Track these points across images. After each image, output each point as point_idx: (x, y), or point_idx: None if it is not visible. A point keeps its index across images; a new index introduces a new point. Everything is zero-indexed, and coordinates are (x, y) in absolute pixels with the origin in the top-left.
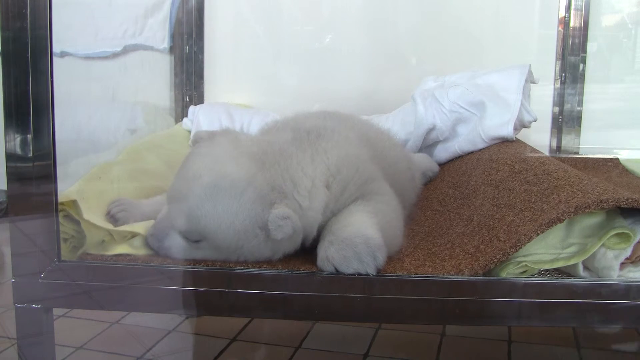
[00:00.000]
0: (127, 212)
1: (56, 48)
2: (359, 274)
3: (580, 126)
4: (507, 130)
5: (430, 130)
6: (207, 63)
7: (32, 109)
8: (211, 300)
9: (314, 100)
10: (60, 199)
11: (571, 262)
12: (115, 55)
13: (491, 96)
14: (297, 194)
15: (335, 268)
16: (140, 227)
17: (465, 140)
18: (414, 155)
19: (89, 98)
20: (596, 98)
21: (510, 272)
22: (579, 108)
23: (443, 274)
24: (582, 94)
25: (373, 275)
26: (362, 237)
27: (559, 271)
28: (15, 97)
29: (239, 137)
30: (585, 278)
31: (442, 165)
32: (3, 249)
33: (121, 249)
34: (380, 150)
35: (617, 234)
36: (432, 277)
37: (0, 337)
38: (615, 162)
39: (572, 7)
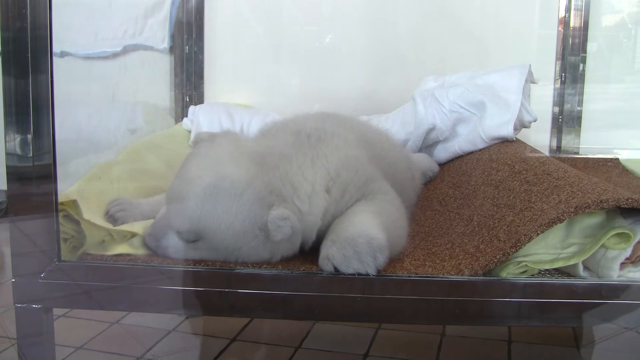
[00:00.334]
0: (126, 212)
1: (56, 48)
2: (359, 274)
3: (580, 126)
4: (507, 130)
5: (430, 130)
6: (207, 63)
7: (32, 109)
8: (211, 300)
9: (314, 100)
10: (60, 199)
11: (571, 262)
12: (115, 55)
13: (491, 96)
14: (297, 198)
15: (335, 267)
16: (140, 227)
17: (465, 140)
18: (414, 155)
19: (89, 98)
20: (596, 98)
21: (510, 272)
22: (579, 108)
23: (443, 274)
24: (582, 94)
25: (373, 275)
26: (365, 236)
27: (559, 271)
28: (15, 97)
29: (239, 139)
30: (585, 278)
31: (442, 165)
32: (3, 249)
33: (121, 248)
34: (379, 150)
35: (617, 234)
36: (432, 277)
37: (0, 337)
38: (615, 162)
39: (572, 7)
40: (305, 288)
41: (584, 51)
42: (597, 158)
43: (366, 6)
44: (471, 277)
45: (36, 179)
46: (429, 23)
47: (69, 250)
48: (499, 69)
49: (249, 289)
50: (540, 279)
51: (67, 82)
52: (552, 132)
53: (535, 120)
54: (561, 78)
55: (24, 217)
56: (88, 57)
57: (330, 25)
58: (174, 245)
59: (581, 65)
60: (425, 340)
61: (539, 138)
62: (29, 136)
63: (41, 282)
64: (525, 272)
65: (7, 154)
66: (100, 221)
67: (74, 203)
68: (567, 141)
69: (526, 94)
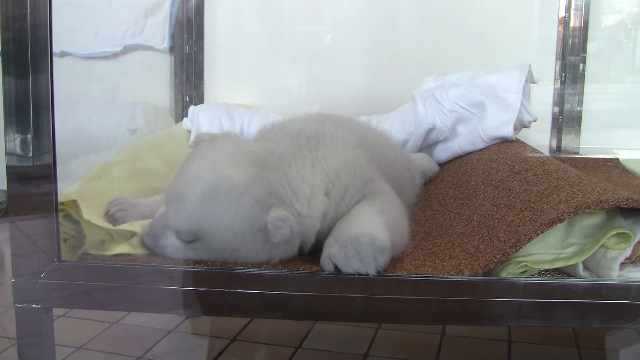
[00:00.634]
0: (126, 212)
1: (56, 48)
2: (359, 274)
3: (580, 126)
4: (507, 130)
5: (430, 130)
6: (207, 63)
7: (32, 109)
8: (211, 300)
9: (314, 100)
10: (60, 199)
11: (571, 262)
12: (115, 55)
13: (491, 96)
14: (296, 201)
15: (336, 266)
16: (139, 226)
17: (465, 140)
18: (414, 155)
19: (89, 98)
20: (596, 98)
21: (510, 272)
22: (579, 108)
23: (443, 274)
24: (582, 94)
25: (373, 275)
26: (369, 236)
27: (559, 271)
28: (15, 97)
29: (239, 140)
30: (585, 278)
31: (442, 165)
32: (3, 249)
33: (121, 248)
34: (378, 151)
35: (617, 234)
36: (432, 277)
37: (0, 337)
38: (615, 162)
39: (572, 7)
40: (305, 288)
41: (584, 51)
42: (597, 158)
43: (366, 6)
44: (471, 277)
45: (36, 179)
46: (429, 23)
47: (69, 250)
48: (499, 69)
49: (249, 289)
50: (540, 279)
51: (67, 82)
52: (552, 132)
53: (535, 120)
54: (561, 78)
55: (24, 217)
56: (88, 57)
57: (330, 25)
58: (171, 245)
59: (581, 65)
60: (425, 340)
61: (539, 138)
62: (29, 136)
63: (41, 282)
64: (525, 272)
65: (7, 154)
66: (100, 221)
67: (74, 203)
68: (567, 141)
69: (526, 94)
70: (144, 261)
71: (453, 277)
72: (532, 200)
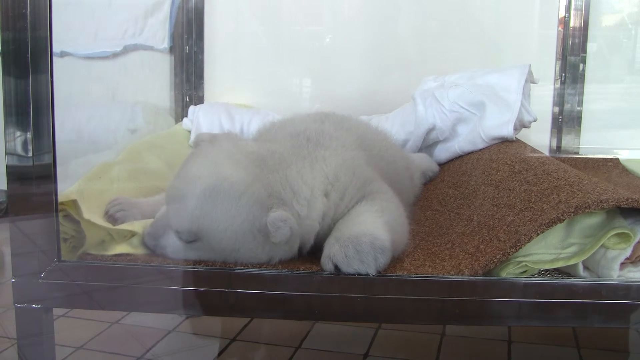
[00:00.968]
0: (125, 212)
1: (56, 48)
2: (359, 274)
3: (580, 126)
4: (507, 130)
5: (430, 130)
6: (207, 63)
7: (32, 109)
8: (211, 300)
9: (314, 100)
10: (60, 199)
11: (571, 262)
12: (115, 55)
13: (491, 96)
14: (296, 202)
15: (336, 266)
16: (140, 226)
17: (465, 140)
18: (414, 155)
19: (89, 98)
20: (596, 98)
21: (510, 272)
22: (579, 108)
23: (443, 274)
24: (582, 94)
25: (373, 275)
26: (370, 236)
27: (559, 271)
28: (15, 97)
29: (239, 140)
30: (585, 278)
31: (442, 165)
32: (3, 249)
33: (121, 248)
34: (377, 150)
35: (617, 234)
36: (432, 277)
37: (0, 337)
38: (615, 162)
39: (572, 7)
40: (305, 288)
41: (584, 51)
42: (597, 158)
43: (366, 6)
44: (471, 277)
45: (36, 179)
46: (429, 23)
47: (69, 250)
48: (499, 69)
49: (249, 289)
50: (540, 279)
51: (67, 82)
52: (552, 132)
53: (535, 120)
54: (561, 78)
55: (24, 217)
56: (88, 57)
57: (330, 25)
58: (172, 245)
59: (581, 65)
60: (425, 340)
61: (539, 138)
62: (29, 136)
63: (41, 282)
64: (525, 272)
65: (7, 154)
66: (100, 221)
67: (74, 203)
68: (567, 141)
69: (526, 94)
70: (144, 261)
71: (453, 277)
72: (532, 200)
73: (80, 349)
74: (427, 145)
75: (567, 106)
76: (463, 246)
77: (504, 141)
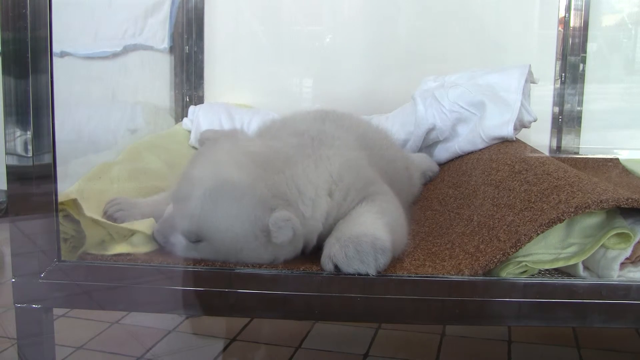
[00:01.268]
0: (124, 211)
1: (56, 48)
2: (359, 274)
3: (580, 126)
4: (507, 130)
5: (430, 130)
6: (207, 63)
7: (32, 109)
8: (211, 300)
9: (314, 100)
10: (60, 198)
11: (571, 262)
12: (115, 55)
13: (491, 96)
14: (302, 203)
15: (336, 265)
16: (141, 225)
17: (465, 140)
18: (414, 155)
19: (89, 98)
20: (596, 98)
21: (510, 272)
22: (579, 108)
23: (443, 274)
24: (582, 94)
25: (373, 275)
26: (370, 236)
27: (559, 271)
28: (15, 97)
29: (244, 139)
30: (585, 278)
31: (442, 165)
32: (3, 249)
33: (121, 248)
34: (377, 150)
35: (617, 234)
36: (432, 277)
37: (0, 337)
38: (615, 162)
39: (572, 7)
40: (305, 288)
41: (584, 51)
42: (597, 158)
43: (366, 6)
44: (471, 277)
45: (36, 179)
46: (429, 23)
47: (69, 250)
48: (499, 69)
49: (249, 289)
50: (540, 279)
51: (67, 82)
52: (552, 132)
53: (535, 120)
54: (561, 78)
55: (24, 217)
56: (88, 57)
57: (330, 25)
58: (179, 244)
59: (581, 65)
60: (425, 340)
61: (539, 138)
62: (29, 136)
63: (41, 282)
64: (525, 272)
65: (7, 153)
66: (102, 219)
67: (74, 202)
68: (567, 141)
69: (526, 94)
70: (144, 261)
71: (453, 277)
72: (532, 200)
73: (80, 349)
74: (427, 145)
75: (567, 106)
76: (463, 246)
77: (504, 141)
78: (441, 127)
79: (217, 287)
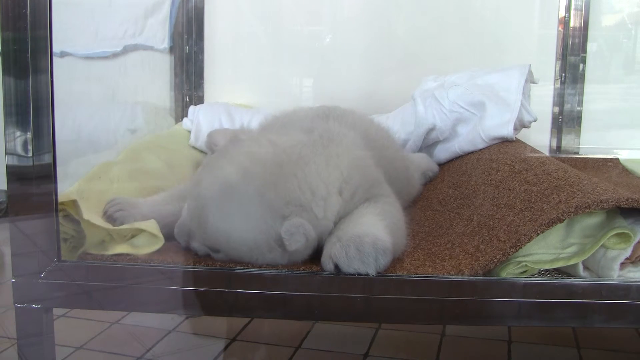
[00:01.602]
0: (124, 212)
1: (56, 48)
2: (359, 274)
3: (580, 126)
4: (507, 130)
5: (431, 130)
6: (207, 63)
7: (32, 109)
8: (211, 300)
9: (314, 100)
10: (60, 199)
11: (571, 262)
12: (115, 55)
13: (491, 96)
14: (315, 204)
15: (336, 265)
16: (145, 226)
17: (465, 140)
18: (414, 155)
19: (89, 98)
20: (596, 98)
21: (510, 272)
22: (579, 108)
23: (443, 274)
24: (582, 94)
25: (373, 275)
26: (372, 237)
27: (559, 271)
28: (15, 97)
29: (253, 141)
30: (585, 278)
31: (442, 165)
32: (3, 249)
33: (121, 248)
34: (379, 149)
35: (617, 234)
36: (432, 277)
37: (0, 337)
38: (615, 162)
39: (572, 7)
40: (305, 288)
41: (584, 51)
42: (597, 158)
43: (366, 6)
44: (471, 277)
45: (36, 179)
46: (429, 23)
47: (69, 250)
48: (499, 69)
49: (249, 289)
50: (540, 279)
51: (67, 82)
52: (552, 132)
53: (535, 120)
54: (561, 78)
55: (24, 217)
56: (88, 57)
57: (330, 25)
58: (201, 249)
59: (581, 65)
60: (425, 340)
61: (539, 138)
62: (29, 136)
63: (41, 282)
64: (525, 272)
65: (7, 153)
66: (101, 221)
67: (74, 203)
68: (567, 141)
69: (526, 94)
70: (144, 261)
71: (453, 277)
72: (532, 200)
73: (80, 349)
74: (427, 145)
75: (567, 106)
76: (463, 246)
77: (504, 141)
78: (441, 127)
79: (217, 287)
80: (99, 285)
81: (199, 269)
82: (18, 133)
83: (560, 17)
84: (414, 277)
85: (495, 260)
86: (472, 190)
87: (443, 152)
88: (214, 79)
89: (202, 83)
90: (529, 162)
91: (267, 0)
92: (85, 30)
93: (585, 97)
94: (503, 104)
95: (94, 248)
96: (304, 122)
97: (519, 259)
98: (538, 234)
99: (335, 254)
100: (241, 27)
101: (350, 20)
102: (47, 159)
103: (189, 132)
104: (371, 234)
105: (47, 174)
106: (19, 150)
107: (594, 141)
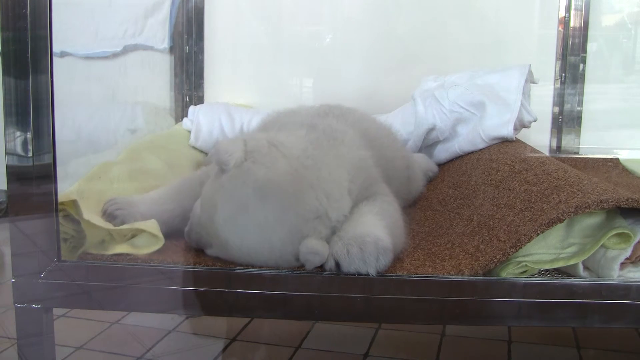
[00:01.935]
0: (124, 210)
1: (56, 48)
2: (359, 274)
3: (580, 126)
4: (507, 130)
5: (431, 130)
6: (207, 63)
7: (32, 109)
8: (211, 300)
9: (314, 100)
10: (60, 199)
11: (571, 262)
12: (115, 55)
13: (491, 96)
14: (330, 208)
15: (337, 263)
16: (142, 226)
17: (465, 140)
18: (414, 156)
19: (89, 98)
20: (596, 98)
21: (510, 272)
22: (579, 108)
23: (443, 274)
24: (582, 94)
25: (373, 275)
26: (373, 236)
27: (559, 271)
28: (15, 97)
29: (263, 154)
30: (585, 278)
31: (442, 165)
32: (3, 249)
33: (121, 248)
34: (378, 149)
35: (617, 234)
36: (432, 277)
37: (0, 337)
38: (615, 162)
39: (572, 7)
40: (305, 288)
41: (584, 51)
42: (597, 158)
43: (366, 6)
44: (471, 277)
45: (36, 179)
46: (429, 23)
47: (69, 250)
48: (499, 69)
49: (249, 289)
50: (540, 279)
51: (67, 82)
52: (552, 132)
53: (535, 120)
54: (561, 78)
55: (24, 217)
56: (88, 57)
57: (330, 25)
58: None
59: (581, 65)
60: (425, 340)
61: (539, 138)
62: (29, 136)
63: (41, 282)
64: (525, 272)
65: (7, 153)
66: (101, 221)
67: (74, 203)
68: (567, 141)
69: (526, 94)
70: (144, 261)
71: (453, 277)
72: (532, 200)
73: (80, 349)
74: (427, 145)
75: (567, 106)
76: (463, 246)
77: (504, 141)
78: (441, 127)
79: (217, 287)
80: (99, 285)
81: (199, 269)
82: (18, 133)
83: (560, 17)
84: (414, 277)
85: (495, 260)
86: (472, 190)
87: (443, 152)
88: (214, 79)
89: (202, 83)
90: (529, 162)
91: (267, 0)
92: (85, 30)
93: (585, 97)
94: (503, 104)
95: (94, 248)
96: (305, 119)
97: (519, 259)
98: (538, 234)
99: (336, 252)
100: (241, 27)
101: (350, 20)
102: (47, 159)
103: (189, 132)
104: (372, 234)
105: (47, 174)
106: (19, 150)
107: (594, 141)
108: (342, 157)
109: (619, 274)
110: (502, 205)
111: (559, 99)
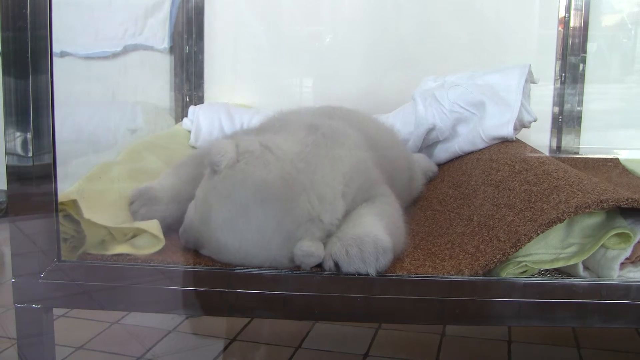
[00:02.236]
0: (147, 208)
1: (56, 48)
2: (359, 274)
3: (580, 126)
4: (507, 130)
5: (431, 130)
6: (207, 63)
7: (32, 109)
8: (211, 300)
9: (314, 100)
10: (60, 199)
11: (571, 262)
12: (115, 55)
13: (491, 96)
14: (323, 210)
15: (336, 264)
16: (143, 226)
17: (465, 140)
18: (414, 155)
19: (89, 98)
20: (596, 98)
21: (510, 272)
22: (579, 108)
23: (443, 274)
24: (582, 94)
25: (373, 275)
26: (373, 236)
27: (559, 271)
28: (15, 97)
29: (260, 157)
30: (585, 278)
31: (442, 165)
32: (3, 249)
33: (121, 248)
34: (379, 149)
35: (617, 234)
36: (432, 277)
37: (0, 337)
38: (615, 162)
39: (572, 7)
40: (305, 288)
41: (584, 51)
42: (597, 158)
43: (366, 6)
44: (471, 277)
45: (36, 179)
46: (429, 23)
47: (69, 250)
48: (499, 69)
49: (249, 289)
50: (540, 279)
51: (67, 82)
52: (552, 132)
53: (535, 120)
54: (561, 78)
55: (24, 217)
56: (88, 57)
57: (330, 25)
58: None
59: (581, 65)
60: (425, 340)
61: (539, 138)
62: (29, 136)
63: (41, 282)
64: (525, 272)
65: (7, 153)
66: (101, 219)
67: (74, 203)
68: (567, 141)
69: (526, 94)
70: (144, 261)
71: (453, 277)
72: (532, 200)
73: (80, 349)
74: (427, 145)
75: (567, 106)
76: (463, 246)
77: (504, 141)
78: (441, 127)
79: (217, 287)
80: (99, 285)
81: (199, 269)
82: (18, 133)
83: (560, 17)
84: (414, 277)
85: (495, 260)
86: (472, 190)
87: (443, 152)
88: (214, 79)
89: (202, 83)
90: (529, 162)
91: (267, 0)
92: (85, 30)
93: (585, 97)
94: (503, 104)
95: (94, 248)
96: (307, 119)
97: (519, 259)
98: (538, 234)
99: (335, 252)
100: (241, 27)
101: (350, 20)
102: (47, 159)
103: (189, 132)
104: (372, 234)
105: (47, 174)
106: (19, 150)
107: (594, 141)
108: (338, 160)
109: (619, 274)
110: (502, 205)
111: (559, 99)
